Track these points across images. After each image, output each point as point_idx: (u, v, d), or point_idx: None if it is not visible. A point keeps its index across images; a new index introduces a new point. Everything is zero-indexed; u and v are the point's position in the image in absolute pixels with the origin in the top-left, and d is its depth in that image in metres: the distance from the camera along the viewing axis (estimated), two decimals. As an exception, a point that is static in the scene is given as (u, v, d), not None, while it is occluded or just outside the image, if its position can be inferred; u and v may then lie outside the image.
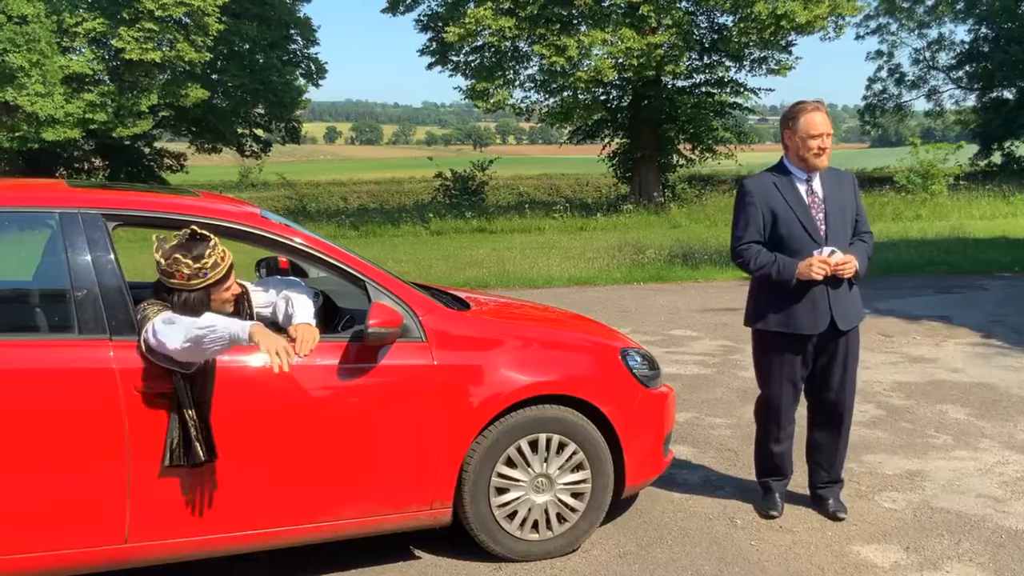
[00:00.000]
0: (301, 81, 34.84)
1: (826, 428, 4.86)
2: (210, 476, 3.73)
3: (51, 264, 3.84)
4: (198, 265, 3.70)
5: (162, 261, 3.71)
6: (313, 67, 35.44)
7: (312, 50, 35.32)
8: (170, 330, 3.52)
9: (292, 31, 34.04)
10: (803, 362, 4.74)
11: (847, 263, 4.50)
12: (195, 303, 3.74)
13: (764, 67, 27.06)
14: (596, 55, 24.60)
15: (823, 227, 4.58)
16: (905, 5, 39.75)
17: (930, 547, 4.49)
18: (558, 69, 24.72)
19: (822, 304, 4.59)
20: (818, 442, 4.91)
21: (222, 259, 3.77)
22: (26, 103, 25.92)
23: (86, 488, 3.58)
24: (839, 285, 4.60)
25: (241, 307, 4.01)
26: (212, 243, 3.77)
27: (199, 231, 3.77)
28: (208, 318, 3.56)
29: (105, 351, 3.61)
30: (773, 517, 4.84)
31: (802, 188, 4.62)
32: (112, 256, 3.72)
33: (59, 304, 3.79)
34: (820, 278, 4.49)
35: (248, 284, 4.16)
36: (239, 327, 3.49)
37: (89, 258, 3.69)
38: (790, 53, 26.70)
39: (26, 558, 3.55)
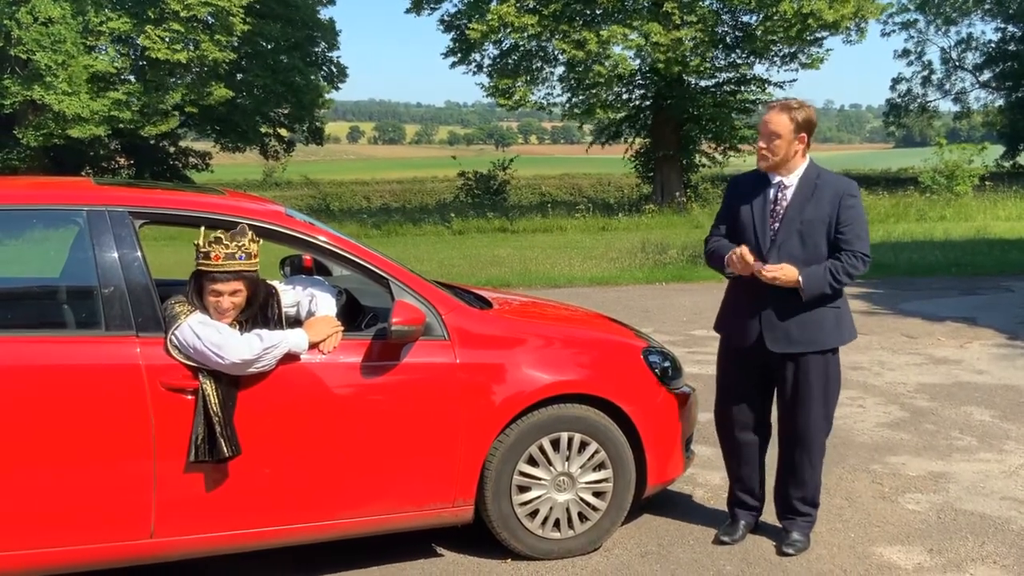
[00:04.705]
0: (322, 84, 34.97)
1: (782, 454, 4.54)
2: (234, 472, 3.75)
3: (78, 261, 3.88)
4: (201, 242, 3.75)
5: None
6: (334, 70, 35.56)
7: (333, 53, 35.49)
8: (227, 342, 3.64)
9: (315, 33, 34.17)
10: (755, 378, 4.44)
11: (774, 272, 4.15)
12: (193, 287, 3.82)
13: (795, 62, 26.96)
14: (616, 52, 24.61)
15: (771, 237, 4.26)
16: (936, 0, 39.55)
17: (954, 549, 4.46)
18: (579, 65, 24.72)
19: (752, 315, 4.31)
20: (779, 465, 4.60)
21: (217, 259, 3.72)
22: (53, 101, 26.17)
23: (113, 483, 3.62)
24: (783, 300, 4.21)
25: (270, 308, 4.02)
26: (232, 239, 3.76)
27: (247, 229, 3.83)
28: (274, 335, 3.75)
29: (132, 347, 3.64)
30: (723, 543, 4.49)
31: (771, 193, 4.33)
32: (139, 253, 3.76)
33: (86, 301, 3.84)
34: (738, 272, 4.27)
35: (277, 284, 4.19)
36: (297, 340, 3.81)
37: (116, 255, 3.72)
38: (820, 46, 26.60)
39: (54, 552, 3.60)
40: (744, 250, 4.22)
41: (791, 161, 4.27)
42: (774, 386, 4.48)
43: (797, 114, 4.21)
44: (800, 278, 4.15)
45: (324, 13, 35.03)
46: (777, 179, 4.32)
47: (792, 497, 4.49)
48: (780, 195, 4.30)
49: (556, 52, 25.94)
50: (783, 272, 4.15)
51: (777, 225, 4.27)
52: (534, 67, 27.36)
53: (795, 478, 4.46)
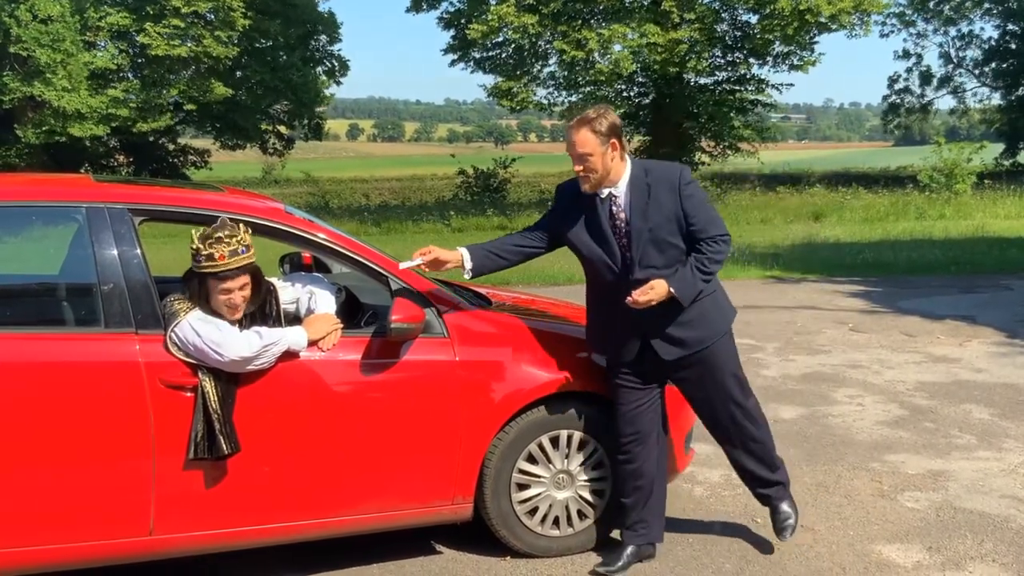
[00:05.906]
0: (323, 78, 34.95)
1: (721, 440, 4.39)
2: (234, 469, 3.75)
3: (78, 258, 3.88)
4: (200, 245, 3.71)
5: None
6: (336, 64, 35.54)
7: (335, 47, 35.49)
8: (226, 339, 3.64)
9: (315, 28, 34.15)
10: (650, 389, 4.20)
11: (647, 296, 3.88)
12: (197, 290, 3.77)
13: (786, 63, 26.97)
14: (616, 50, 24.61)
15: (625, 254, 4.01)
16: (931, 5, 39.59)
17: (953, 547, 4.47)
18: (578, 64, 24.75)
19: (633, 332, 4.08)
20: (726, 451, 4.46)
21: (222, 258, 3.70)
22: (53, 97, 26.18)
23: (112, 480, 3.61)
24: (659, 309, 3.95)
25: (268, 305, 4.01)
26: (230, 236, 3.74)
27: (227, 222, 3.79)
28: (273, 333, 3.76)
29: (131, 344, 3.64)
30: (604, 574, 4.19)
31: (602, 207, 4.04)
32: (138, 250, 3.75)
33: (85, 298, 3.83)
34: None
35: (275, 281, 4.18)
36: (296, 337, 3.81)
37: (116, 252, 3.71)
38: (812, 50, 26.60)
39: (53, 549, 3.59)
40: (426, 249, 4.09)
41: (612, 171, 3.99)
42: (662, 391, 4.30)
43: (598, 124, 3.93)
44: (672, 289, 3.92)
45: (324, 6, 35.11)
46: (606, 191, 4.03)
47: (754, 471, 4.36)
48: (615, 208, 4.03)
49: (548, 49, 25.97)
50: (654, 291, 3.90)
51: (626, 241, 4.01)
52: (526, 62, 27.36)
53: (746, 451, 4.33)
